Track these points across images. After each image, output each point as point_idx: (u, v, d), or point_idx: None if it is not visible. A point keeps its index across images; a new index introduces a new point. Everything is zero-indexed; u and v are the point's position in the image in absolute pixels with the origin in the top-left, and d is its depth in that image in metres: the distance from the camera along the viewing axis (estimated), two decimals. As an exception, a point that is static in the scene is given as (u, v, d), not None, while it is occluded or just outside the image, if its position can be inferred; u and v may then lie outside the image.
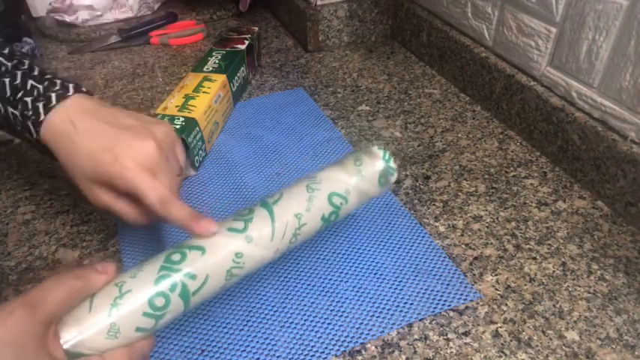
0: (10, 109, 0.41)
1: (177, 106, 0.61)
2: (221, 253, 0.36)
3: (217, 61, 0.71)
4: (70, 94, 0.42)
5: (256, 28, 0.82)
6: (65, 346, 0.31)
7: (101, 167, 0.39)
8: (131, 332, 0.33)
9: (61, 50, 0.92)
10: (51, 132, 0.40)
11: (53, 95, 0.41)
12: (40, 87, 0.42)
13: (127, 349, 0.33)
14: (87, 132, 0.40)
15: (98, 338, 0.32)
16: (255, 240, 0.37)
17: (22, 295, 0.30)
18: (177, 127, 0.57)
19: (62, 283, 0.32)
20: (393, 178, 0.43)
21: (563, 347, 0.41)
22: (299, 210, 0.39)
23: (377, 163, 0.42)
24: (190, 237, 0.37)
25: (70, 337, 0.31)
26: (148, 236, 0.52)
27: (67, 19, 0.95)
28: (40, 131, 0.40)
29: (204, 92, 0.64)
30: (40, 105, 0.41)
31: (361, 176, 0.41)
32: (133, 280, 0.34)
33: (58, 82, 0.42)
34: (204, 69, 0.69)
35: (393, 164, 0.42)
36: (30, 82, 0.42)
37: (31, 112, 0.40)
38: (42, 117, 0.40)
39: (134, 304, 0.33)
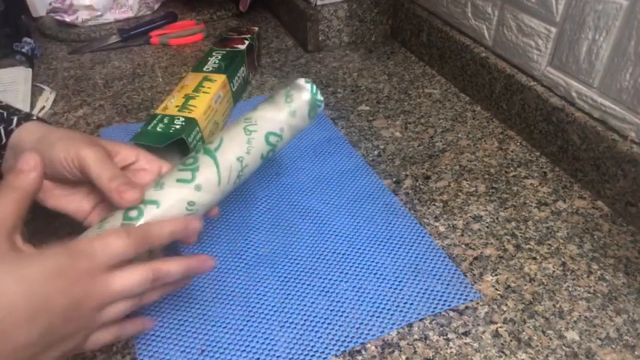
0: None
1: (177, 106, 0.61)
2: (175, 204, 0.38)
3: (217, 61, 0.71)
4: (34, 118, 0.44)
5: (256, 28, 0.82)
6: None
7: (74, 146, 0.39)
8: None
9: (61, 50, 0.92)
10: (24, 132, 0.42)
11: (15, 118, 0.43)
12: (5, 112, 0.43)
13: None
14: (60, 134, 0.41)
15: None
16: (204, 187, 0.39)
17: None
18: (178, 127, 0.57)
19: (2, 198, 0.32)
20: (321, 109, 0.46)
21: (563, 347, 0.41)
22: (240, 153, 0.41)
23: (306, 98, 0.44)
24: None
25: None
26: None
27: (67, 19, 0.95)
28: (12, 135, 0.42)
29: (204, 92, 0.64)
30: (14, 118, 0.42)
31: (293, 113, 0.44)
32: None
33: (23, 112, 0.45)
34: (204, 69, 0.69)
35: (320, 97, 0.45)
36: None
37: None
38: (13, 126, 0.42)
39: None
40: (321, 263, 0.49)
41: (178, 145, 0.58)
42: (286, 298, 0.46)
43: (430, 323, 0.43)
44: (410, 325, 0.43)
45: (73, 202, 0.42)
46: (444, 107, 0.73)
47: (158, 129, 0.57)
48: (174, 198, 0.38)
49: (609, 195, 0.55)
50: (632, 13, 0.49)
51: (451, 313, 0.44)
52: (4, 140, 0.42)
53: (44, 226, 0.52)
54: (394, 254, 0.50)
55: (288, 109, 0.44)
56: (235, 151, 0.41)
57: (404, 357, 0.41)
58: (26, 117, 0.43)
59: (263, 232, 0.52)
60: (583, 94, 0.57)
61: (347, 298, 0.46)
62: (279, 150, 0.45)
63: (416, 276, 0.47)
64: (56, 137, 0.40)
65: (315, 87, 0.45)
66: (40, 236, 0.53)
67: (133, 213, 0.37)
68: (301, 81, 0.45)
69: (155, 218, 0.37)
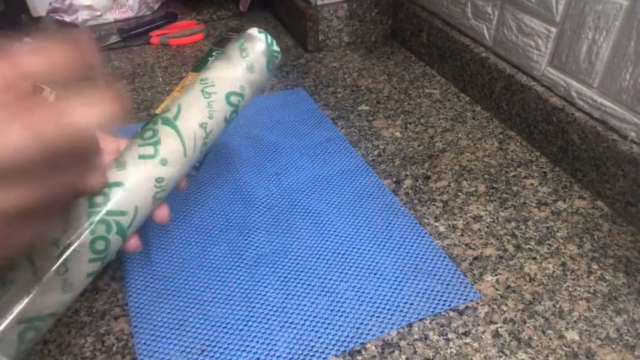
0: None
1: (177, 106, 0.61)
2: (141, 183, 0.35)
3: (217, 61, 0.71)
4: None
5: (256, 28, 0.82)
6: (26, 316, 0.30)
7: None
8: (82, 279, 0.33)
9: (61, 50, 0.92)
10: None
11: None
12: None
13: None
14: None
15: (55, 297, 0.32)
16: (170, 161, 0.36)
17: None
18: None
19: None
20: (278, 61, 0.43)
21: (563, 347, 0.41)
22: (202, 119, 0.38)
23: (261, 49, 0.41)
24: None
25: (27, 307, 0.30)
26: (149, 236, 0.52)
27: (67, 19, 0.95)
28: None
29: (204, 92, 0.64)
30: None
31: (250, 67, 0.40)
32: (67, 233, 0.33)
33: None
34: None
35: (276, 47, 0.42)
36: None
37: None
38: None
39: (78, 256, 0.33)
40: (321, 263, 0.49)
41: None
42: (286, 298, 0.46)
43: (430, 323, 0.43)
44: (410, 325, 0.43)
45: None
46: (444, 107, 0.73)
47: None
48: (140, 176, 0.35)
49: (609, 195, 0.55)
50: (632, 13, 0.49)
51: (451, 313, 0.44)
52: None
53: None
54: (394, 254, 0.50)
55: (245, 64, 0.40)
56: (197, 117, 0.38)
57: (404, 357, 0.41)
58: None
59: (263, 232, 0.52)
60: (583, 94, 0.57)
61: (347, 298, 0.46)
62: (243, 110, 0.42)
63: (416, 276, 0.47)
64: None
65: (269, 37, 0.42)
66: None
67: (99, 199, 0.34)
68: (254, 31, 0.42)
69: (123, 200, 0.34)
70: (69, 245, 0.33)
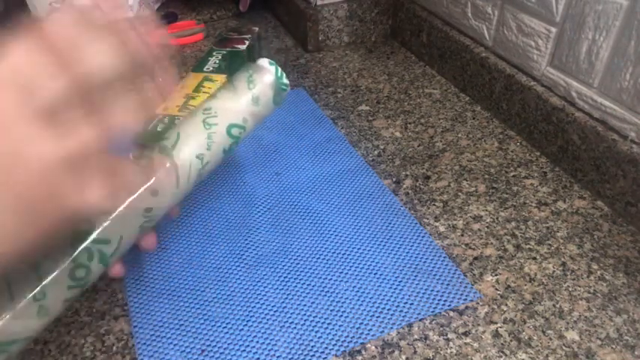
0: None
1: (177, 106, 0.61)
2: (129, 213, 0.34)
3: (218, 61, 0.71)
4: None
5: (256, 28, 0.82)
6: None
7: None
8: (59, 306, 0.32)
9: (61, 50, 0.92)
10: None
11: None
12: None
13: None
14: None
15: (29, 322, 0.31)
16: (161, 192, 0.35)
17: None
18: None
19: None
20: (286, 94, 0.41)
21: (563, 347, 0.41)
22: (200, 150, 0.37)
23: (269, 81, 0.40)
24: None
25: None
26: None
27: (67, 19, 0.95)
28: None
29: (204, 92, 0.64)
30: None
31: (255, 100, 0.39)
32: (48, 259, 0.32)
33: None
34: (205, 69, 0.69)
35: (285, 80, 0.41)
36: None
37: None
38: None
39: (57, 283, 0.31)
40: (321, 263, 0.49)
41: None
42: (286, 298, 0.46)
43: (430, 323, 0.43)
44: (410, 325, 0.43)
45: None
46: (444, 107, 0.73)
47: (159, 129, 0.57)
48: (129, 206, 0.34)
49: (609, 195, 0.55)
50: (632, 13, 0.49)
51: (451, 313, 0.44)
52: None
53: None
54: (394, 254, 0.50)
55: (251, 96, 0.39)
56: (194, 148, 0.37)
57: (404, 357, 0.41)
58: None
59: (263, 232, 0.52)
60: (583, 94, 0.57)
61: (347, 298, 0.46)
62: (243, 139, 0.41)
63: (416, 276, 0.47)
64: None
65: (279, 69, 0.40)
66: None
67: (84, 226, 0.33)
68: (264, 62, 0.40)
69: (108, 229, 0.33)
70: (48, 271, 0.31)
